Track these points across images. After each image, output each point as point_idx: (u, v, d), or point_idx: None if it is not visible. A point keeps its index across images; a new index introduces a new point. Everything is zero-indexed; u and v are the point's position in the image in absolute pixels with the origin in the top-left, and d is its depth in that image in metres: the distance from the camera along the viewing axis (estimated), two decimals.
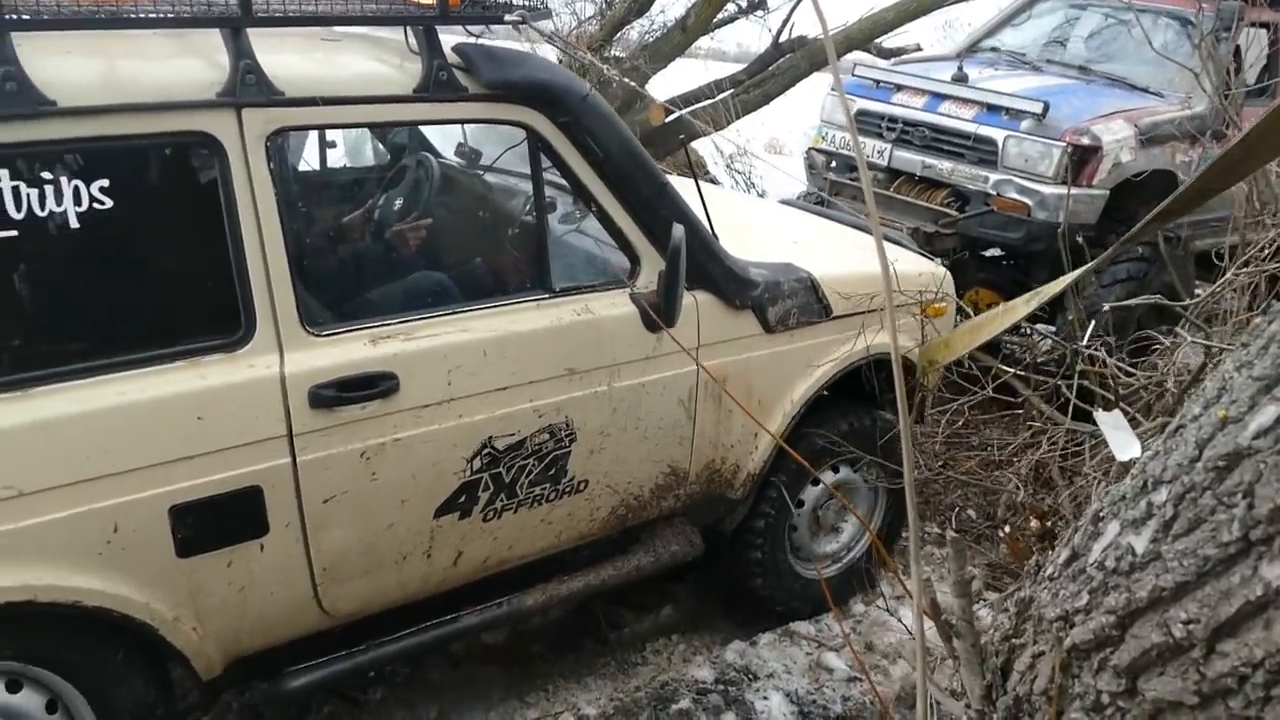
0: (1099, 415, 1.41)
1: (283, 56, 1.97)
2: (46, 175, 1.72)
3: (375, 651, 2.24)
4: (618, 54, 5.07)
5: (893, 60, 5.85)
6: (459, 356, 2.13)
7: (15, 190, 1.69)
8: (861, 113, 4.99)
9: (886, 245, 3.02)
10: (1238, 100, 4.37)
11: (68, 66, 1.78)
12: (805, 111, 6.73)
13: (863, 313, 2.77)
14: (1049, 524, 2.68)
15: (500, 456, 2.23)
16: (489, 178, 2.90)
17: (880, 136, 4.91)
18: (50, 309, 1.83)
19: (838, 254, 2.99)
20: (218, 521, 1.94)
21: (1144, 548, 1.14)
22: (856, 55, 6.16)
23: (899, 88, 4.95)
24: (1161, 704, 1.13)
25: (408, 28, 2.12)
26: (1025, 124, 4.47)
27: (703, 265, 2.43)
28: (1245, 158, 1.28)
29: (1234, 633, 1.05)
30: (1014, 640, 1.35)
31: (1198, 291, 4.06)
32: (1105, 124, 4.44)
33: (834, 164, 5.17)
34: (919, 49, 6.23)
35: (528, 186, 2.37)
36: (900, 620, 2.88)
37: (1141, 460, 1.23)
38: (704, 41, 6.90)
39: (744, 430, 2.67)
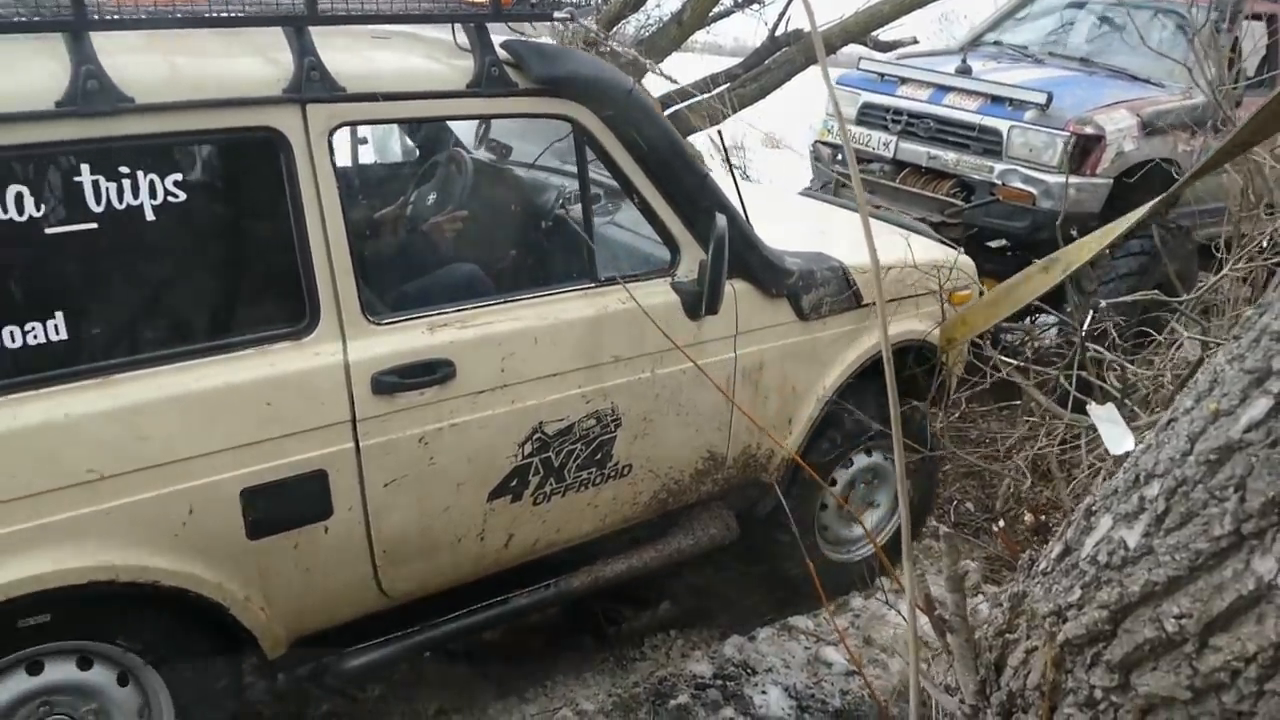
0: (1092, 409, 1.41)
1: (339, 54, 2.01)
2: (124, 170, 1.77)
3: (430, 633, 2.29)
4: (615, 47, 5.05)
5: (893, 54, 5.86)
6: (511, 344, 2.19)
7: (95, 184, 1.75)
8: (867, 105, 5.03)
9: (909, 235, 3.12)
10: (1238, 92, 4.36)
11: (141, 65, 1.82)
12: (802, 106, 6.71)
13: (893, 300, 2.86)
14: (1043, 518, 2.68)
15: (550, 441, 2.29)
16: (530, 172, 2.98)
17: (886, 129, 4.93)
18: (128, 299, 1.87)
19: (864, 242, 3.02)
20: (285, 504, 1.99)
21: (1136, 542, 1.14)
22: (853, 49, 6.15)
23: (903, 80, 4.98)
24: (1154, 699, 1.12)
25: (455, 26, 2.18)
26: (1029, 114, 4.49)
27: (741, 254, 2.47)
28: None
29: (1226, 627, 1.05)
30: (1008, 635, 1.34)
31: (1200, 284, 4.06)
32: (1108, 113, 4.44)
33: (840, 156, 5.19)
34: (915, 42, 6.23)
35: (565, 180, 2.48)
36: (900, 614, 2.88)
37: (1134, 454, 1.23)
38: (700, 35, 6.87)
39: (779, 416, 2.73)
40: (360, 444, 2.03)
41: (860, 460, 3.00)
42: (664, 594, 3.13)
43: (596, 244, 2.37)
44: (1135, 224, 2.23)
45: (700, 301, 2.33)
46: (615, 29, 6.18)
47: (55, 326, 1.76)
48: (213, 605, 1.97)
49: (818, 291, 2.68)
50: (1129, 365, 3.15)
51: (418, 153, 3.15)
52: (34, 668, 1.90)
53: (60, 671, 1.92)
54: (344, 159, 2.81)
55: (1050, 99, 4.43)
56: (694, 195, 2.39)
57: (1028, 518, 2.74)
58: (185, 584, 1.91)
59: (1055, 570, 1.28)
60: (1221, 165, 1.44)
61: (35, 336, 1.75)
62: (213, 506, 1.91)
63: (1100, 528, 1.21)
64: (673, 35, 6.22)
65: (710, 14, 6.40)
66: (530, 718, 2.62)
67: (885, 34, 6.39)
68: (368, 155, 3.07)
